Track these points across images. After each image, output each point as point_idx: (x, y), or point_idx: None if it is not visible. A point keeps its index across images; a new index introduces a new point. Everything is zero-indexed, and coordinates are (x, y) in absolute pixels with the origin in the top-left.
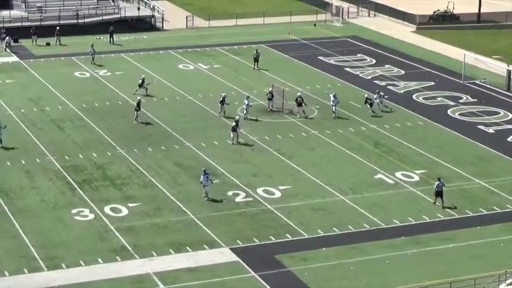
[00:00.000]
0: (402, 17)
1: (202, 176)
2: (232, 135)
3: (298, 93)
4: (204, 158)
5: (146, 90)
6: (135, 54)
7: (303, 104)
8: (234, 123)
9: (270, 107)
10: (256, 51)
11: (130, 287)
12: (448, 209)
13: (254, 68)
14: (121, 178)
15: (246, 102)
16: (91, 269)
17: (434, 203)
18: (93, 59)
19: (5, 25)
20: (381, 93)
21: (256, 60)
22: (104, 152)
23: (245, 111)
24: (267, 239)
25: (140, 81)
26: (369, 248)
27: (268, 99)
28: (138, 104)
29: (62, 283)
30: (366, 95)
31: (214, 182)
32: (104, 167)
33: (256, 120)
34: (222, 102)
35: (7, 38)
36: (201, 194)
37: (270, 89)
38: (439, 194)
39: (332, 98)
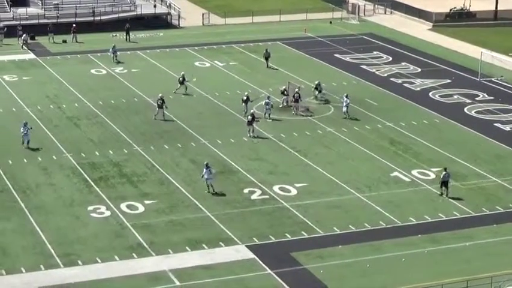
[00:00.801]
0: (418, 14)
1: (204, 170)
2: (248, 129)
3: (296, 89)
4: (220, 155)
5: (186, 88)
6: (151, 52)
7: (300, 100)
8: (250, 117)
9: (285, 104)
10: (266, 51)
11: (146, 284)
12: (451, 200)
13: (267, 66)
14: (137, 175)
15: (270, 102)
16: (107, 266)
17: (441, 194)
18: (115, 57)
19: (21, 22)
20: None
21: (266, 59)
22: (120, 149)
23: (269, 111)
24: (283, 236)
25: (180, 78)
26: (385, 246)
27: (285, 95)
28: (160, 100)
29: (78, 280)
30: (316, 82)
31: (214, 172)
32: (120, 164)
33: (277, 120)
34: (246, 101)
35: (24, 35)
36: (207, 189)
37: (284, 87)
38: (444, 184)
39: (345, 99)
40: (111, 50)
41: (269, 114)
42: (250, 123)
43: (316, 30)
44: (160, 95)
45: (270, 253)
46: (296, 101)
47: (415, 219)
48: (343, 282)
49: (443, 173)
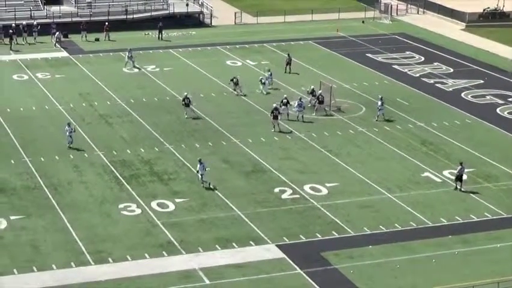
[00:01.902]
0: (451, 14)
1: (198, 165)
2: (273, 124)
3: (320, 91)
4: (251, 154)
5: (241, 90)
6: (184, 50)
7: (324, 102)
8: (276, 111)
9: (312, 103)
10: (288, 55)
11: (176, 282)
12: (471, 194)
13: (285, 72)
14: (168, 173)
15: (302, 103)
16: (138, 264)
17: (456, 188)
18: (133, 63)
19: (54, 20)
20: (270, 73)
21: (288, 64)
22: (151, 148)
23: (302, 113)
24: (313, 236)
25: (235, 79)
26: (416, 247)
27: (313, 95)
28: (186, 99)
29: (108, 277)
30: (261, 77)
31: (207, 169)
32: (151, 163)
33: (310, 122)
34: (286, 103)
35: (57, 33)
36: (202, 184)
37: (312, 86)
38: (459, 178)
39: (379, 103)
40: (127, 54)
41: (302, 116)
42: (276, 117)
43: (348, 29)
44: (185, 93)
45: (300, 253)
46: (321, 102)
47: (446, 220)
48: (373, 282)
49: (459, 167)
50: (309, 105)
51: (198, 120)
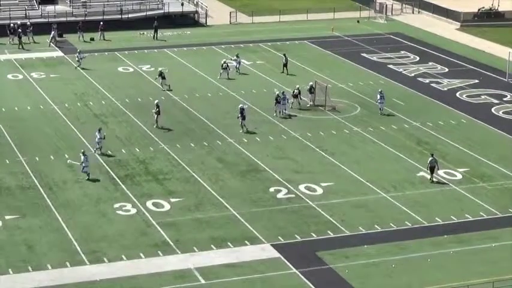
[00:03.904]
0: (446, 14)
1: (82, 157)
2: (241, 124)
3: (297, 86)
4: (246, 154)
5: (166, 84)
6: (179, 50)
7: (299, 96)
8: (243, 112)
9: (311, 102)
10: (285, 56)
11: (171, 282)
12: (439, 184)
13: (282, 72)
14: (163, 173)
15: (286, 96)
16: (133, 264)
17: (431, 179)
18: (79, 64)
19: (49, 20)
20: (239, 59)
21: (285, 65)
22: (146, 147)
23: (285, 106)
24: (309, 235)
25: (162, 74)
26: (411, 246)
27: (311, 93)
28: (157, 106)
29: (104, 277)
30: (223, 60)
31: (87, 162)
32: (147, 162)
33: (294, 115)
34: (280, 101)
35: (53, 32)
36: (87, 177)
37: (311, 83)
38: (431, 169)
39: (378, 96)
40: (77, 55)
41: (284, 110)
42: (244, 118)
43: (343, 29)
44: (156, 100)
45: (296, 252)
46: (295, 96)
47: (441, 220)
48: (368, 281)
49: (430, 158)
50: (308, 105)
51: (192, 120)
